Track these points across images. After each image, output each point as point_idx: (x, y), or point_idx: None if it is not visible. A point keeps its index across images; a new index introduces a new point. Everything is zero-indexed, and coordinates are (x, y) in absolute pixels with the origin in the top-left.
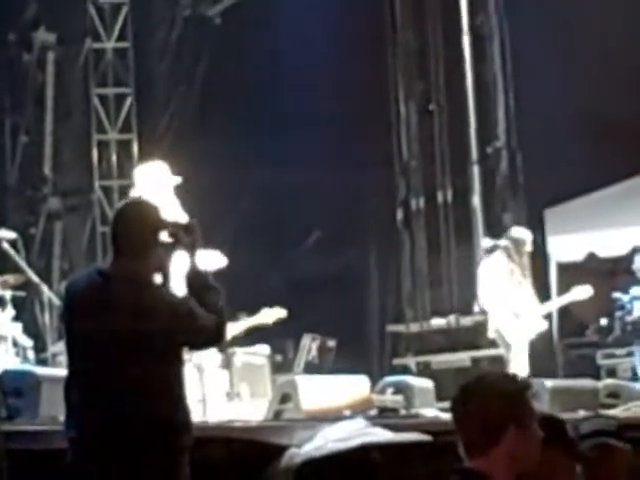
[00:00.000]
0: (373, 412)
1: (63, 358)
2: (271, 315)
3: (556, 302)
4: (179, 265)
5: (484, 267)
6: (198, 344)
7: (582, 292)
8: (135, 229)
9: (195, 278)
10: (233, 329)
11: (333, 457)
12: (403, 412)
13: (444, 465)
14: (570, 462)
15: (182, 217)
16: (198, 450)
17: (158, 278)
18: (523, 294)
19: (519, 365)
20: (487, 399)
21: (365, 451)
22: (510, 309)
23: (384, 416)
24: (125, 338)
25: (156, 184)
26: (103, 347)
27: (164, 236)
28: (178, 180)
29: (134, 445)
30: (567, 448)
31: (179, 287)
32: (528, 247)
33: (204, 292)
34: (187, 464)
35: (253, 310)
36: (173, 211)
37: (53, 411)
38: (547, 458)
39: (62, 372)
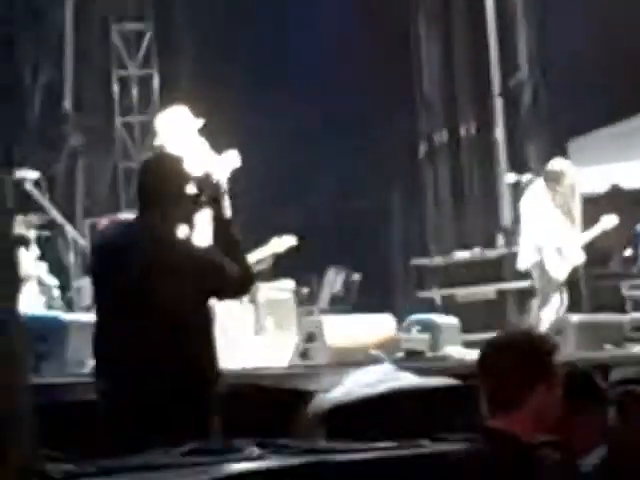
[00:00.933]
0: (400, 354)
1: (88, 292)
2: (282, 244)
3: (590, 233)
4: (203, 217)
5: (525, 201)
6: (224, 294)
7: (610, 221)
8: (160, 183)
9: (220, 230)
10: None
11: (361, 402)
12: (430, 355)
13: (474, 410)
14: (601, 413)
15: (211, 158)
16: (226, 397)
17: (183, 230)
18: (565, 227)
19: (557, 301)
20: (517, 358)
21: (393, 396)
22: (553, 243)
23: (411, 359)
24: (153, 290)
25: (179, 129)
26: (132, 300)
27: (189, 189)
28: (200, 122)
29: (166, 397)
30: (598, 400)
31: (203, 239)
32: (569, 179)
33: (229, 244)
34: (219, 413)
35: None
36: (202, 153)
37: (80, 356)
38: (578, 412)
39: (88, 317)
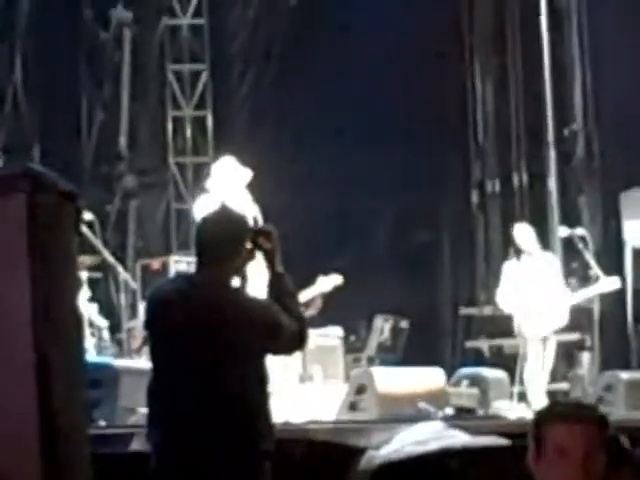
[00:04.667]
0: (449, 409)
1: (138, 333)
2: (328, 282)
3: (582, 294)
4: (256, 270)
5: (506, 266)
6: (282, 349)
7: (610, 283)
8: (221, 240)
9: (277, 284)
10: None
11: (411, 460)
12: (480, 412)
13: (523, 471)
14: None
15: (254, 212)
16: (276, 452)
17: (236, 282)
18: (544, 289)
19: (533, 360)
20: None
21: (443, 456)
22: (529, 307)
23: (461, 417)
24: (211, 345)
25: (230, 178)
26: (188, 354)
27: (246, 243)
28: (250, 174)
29: (218, 452)
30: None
31: (256, 290)
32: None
33: (285, 298)
34: (270, 469)
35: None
36: (245, 206)
37: (131, 403)
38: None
39: (140, 364)
